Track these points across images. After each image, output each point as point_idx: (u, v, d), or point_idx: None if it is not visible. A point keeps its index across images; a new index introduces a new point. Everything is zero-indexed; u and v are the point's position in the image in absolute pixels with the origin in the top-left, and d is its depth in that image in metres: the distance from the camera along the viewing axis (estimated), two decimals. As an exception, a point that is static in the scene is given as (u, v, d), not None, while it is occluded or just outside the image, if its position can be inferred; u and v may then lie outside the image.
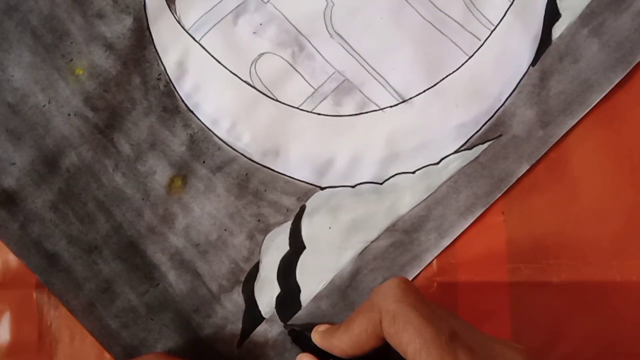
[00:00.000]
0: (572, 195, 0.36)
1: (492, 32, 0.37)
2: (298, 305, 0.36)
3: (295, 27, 0.37)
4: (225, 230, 0.36)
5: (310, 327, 0.32)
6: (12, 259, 0.37)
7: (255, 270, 0.36)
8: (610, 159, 0.36)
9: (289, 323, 0.36)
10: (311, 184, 0.37)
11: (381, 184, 0.36)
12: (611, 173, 0.36)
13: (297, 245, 0.36)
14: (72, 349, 0.36)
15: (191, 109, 0.37)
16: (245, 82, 0.37)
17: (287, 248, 0.36)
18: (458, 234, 0.36)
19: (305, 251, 0.36)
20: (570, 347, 0.35)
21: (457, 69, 0.37)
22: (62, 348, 0.36)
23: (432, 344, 0.26)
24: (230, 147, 0.37)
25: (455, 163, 0.36)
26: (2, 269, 0.37)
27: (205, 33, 0.37)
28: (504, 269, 0.36)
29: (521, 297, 0.35)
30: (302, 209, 0.36)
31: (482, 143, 0.36)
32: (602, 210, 0.36)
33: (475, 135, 0.36)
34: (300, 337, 0.34)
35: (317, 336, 0.31)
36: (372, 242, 0.36)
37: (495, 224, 0.36)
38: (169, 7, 0.37)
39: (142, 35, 0.37)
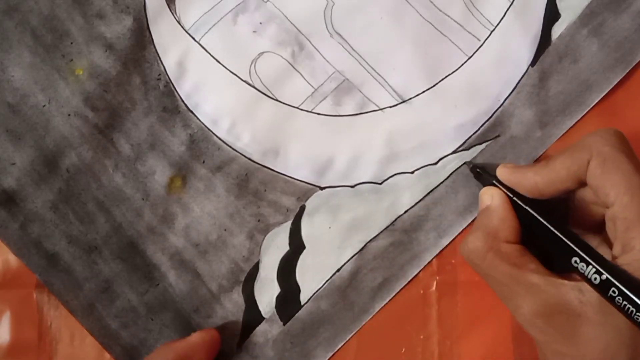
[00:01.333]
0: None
1: (491, 32, 0.37)
2: (298, 304, 0.36)
3: (295, 27, 0.37)
4: (225, 230, 0.36)
5: (490, 166, 0.33)
6: (12, 259, 0.37)
7: (255, 270, 0.36)
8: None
9: (470, 161, 0.36)
10: (311, 184, 0.37)
11: (380, 183, 0.36)
12: None
13: (296, 245, 0.36)
14: (72, 349, 0.36)
15: (191, 109, 0.37)
16: (245, 81, 0.37)
17: (287, 248, 0.36)
18: (457, 234, 0.36)
19: (305, 251, 0.36)
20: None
21: (457, 70, 0.37)
22: (62, 348, 0.36)
23: (637, 189, 0.26)
24: (230, 147, 0.37)
25: (454, 163, 0.36)
26: (2, 269, 0.37)
27: (205, 33, 0.37)
28: (504, 269, 0.35)
29: (520, 297, 0.35)
30: (302, 208, 0.36)
31: (480, 143, 0.36)
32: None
33: (473, 136, 0.36)
34: (482, 174, 0.34)
35: (504, 171, 0.31)
36: (372, 241, 0.36)
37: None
38: (169, 7, 0.37)
39: (142, 35, 0.37)
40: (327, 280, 0.36)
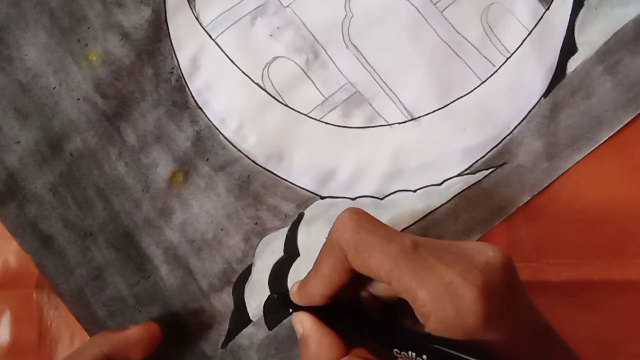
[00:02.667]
0: (572, 195, 0.36)
1: (507, 59, 0.37)
2: (287, 311, 0.36)
3: (312, 34, 0.37)
4: (222, 229, 0.36)
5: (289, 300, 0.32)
6: (12, 259, 0.37)
7: (247, 273, 0.36)
8: (611, 158, 0.36)
9: (272, 293, 0.36)
10: (312, 192, 0.36)
11: (381, 199, 0.36)
12: (612, 172, 0.36)
13: (291, 251, 0.36)
14: (72, 349, 0.36)
15: (200, 105, 0.37)
16: (256, 84, 0.37)
17: (281, 254, 0.36)
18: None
19: (299, 258, 0.36)
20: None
21: (469, 93, 0.37)
22: (62, 348, 0.36)
23: (400, 260, 0.26)
24: (235, 147, 0.37)
25: (458, 186, 0.36)
26: (2, 269, 0.37)
27: (222, 32, 0.37)
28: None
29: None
30: (300, 216, 0.36)
31: (487, 169, 0.36)
32: (602, 209, 0.36)
33: (480, 160, 0.36)
34: (286, 300, 0.33)
35: (295, 296, 0.31)
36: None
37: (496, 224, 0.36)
38: (189, 2, 0.37)
39: (159, 27, 0.37)
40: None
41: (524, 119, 0.36)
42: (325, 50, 0.37)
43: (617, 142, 0.36)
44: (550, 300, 0.27)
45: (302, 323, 0.30)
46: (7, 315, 0.36)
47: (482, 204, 0.36)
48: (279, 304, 0.35)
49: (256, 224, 0.36)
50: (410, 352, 0.26)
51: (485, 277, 0.25)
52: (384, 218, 0.36)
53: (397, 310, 0.31)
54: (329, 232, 0.29)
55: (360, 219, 0.29)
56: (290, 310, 0.32)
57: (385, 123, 0.37)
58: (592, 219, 0.36)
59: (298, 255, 0.36)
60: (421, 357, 0.26)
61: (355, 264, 0.28)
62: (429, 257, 0.26)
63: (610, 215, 0.36)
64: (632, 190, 0.36)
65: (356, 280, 0.30)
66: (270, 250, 0.36)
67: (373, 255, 0.27)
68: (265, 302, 0.36)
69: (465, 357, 0.24)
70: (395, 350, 0.27)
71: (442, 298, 0.25)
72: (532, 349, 0.26)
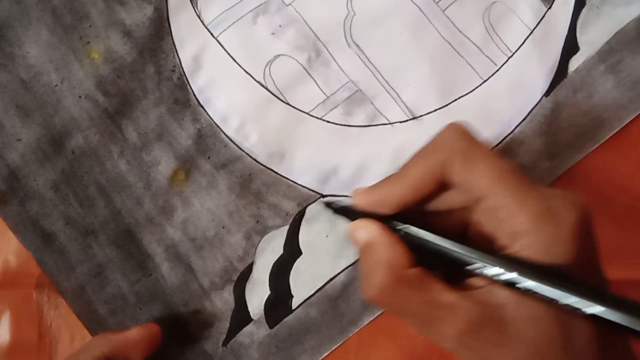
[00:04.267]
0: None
1: (509, 58, 0.37)
2: (288, 310, 0.36)
3: (314, 33, 0.37)
4: (223, 227, 0.36)
5: (344, 207, 0.30)
6: (12, 259, 0.37)
7: (248, 271, 0.36)
8: (612, 157, 0.36)
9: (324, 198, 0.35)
10: (313, 191, 0.37)
11: (383, 197, 0.36)
12: (612, 171, 0.36)
13: (292, 250, 0.36)
14: (72, 349, 0.36)
15: (202, 103, 0.37)
16: (258, 82, 0.37)
17: (282, 251, 0.36)
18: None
19: (300, 257, 0.36)
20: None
21: (471, 92, 0.37)
22: (62, 348, 0.36)
23: (507, 174, 0.26)
24: (237, 145, 0.37)
25: (459, 185, 0.36)
26: (2, 269, 0.37)
27: (224, 30, 0.37)
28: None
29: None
30: (302, 214, 0.36)
31: (488, 168, 0.36)
32: (602, 208, 0.36)
33: (481, 160, 0.36)
34: (342, 208, 0.30)
35: (360, 195, 0.28)
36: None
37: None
38: (191, 1, 0.37)
39: (161, 25, 0.37)
40: (319, 289, 0.36)
41: (525, 118, 0.36)
42: (327, 49, 0.37)
43: (617, 142, 0.36)
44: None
45: (369, 229, 0.27)
46: (7, 315, 0.36)
47: (483, 203, 0.36)
48: (333, 208, 0.31)
49: (257, 222, 0.36)
50: (491, 268, 0.25)
51: (582, 212, 0.25)
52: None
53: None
54: (431, 140, 0.28)
55: (467, 130, 0.27)
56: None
57: (387, 122, 0.37)
58: (592, 217, 0.36)
59: (300, 253, 0.36)
60: (503, 274, 0.25)
61: (459, 170, 0.26)
62: (529, 181, 0.26)
63: (610, 215, 0.36)
64: (632, 189, 0.36)
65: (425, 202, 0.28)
66: (272, 249, 0.36)
67: (482, 162, 0.26)
68: (267, 300, 0.36)
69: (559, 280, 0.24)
70: (473, 267, 0.25)
71: (540, 220, 0.25)
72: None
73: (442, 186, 0.27)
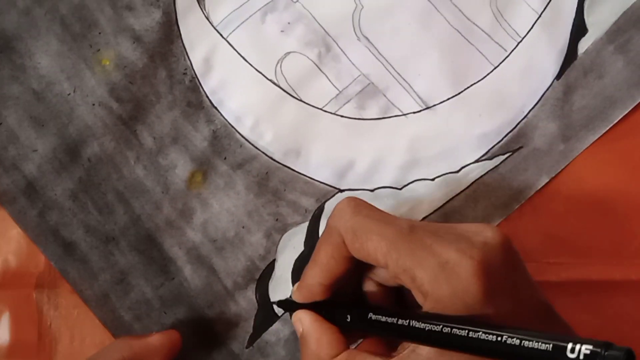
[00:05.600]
0: (572, 194, 0.36)
1: (518, 43, 0.37)
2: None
3: (323, 28, 0.37)
4: (243, 227, 0.36)
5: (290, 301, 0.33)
6: (12, 259, 0.36)
7: (270, 269, 0.36)
8: (612, 157, 0.36)
9: (273, 301, 0.36)
10: (330, 186, 0.37)
11: (400, 189, 0.36)
12: (612, 171, 0.36)
13: (313, 246, 0.36)
14: (72, 349, 0.36)
15: (215, 105, 0.37)
16: (270, 80, 0.37)
17: (303, 248, 0.36)
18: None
19: (321, 252, 0.36)
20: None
21: (482, 79, 0.37)
22: (62, 348, 0.36)
23: (397, 241, 0.27)
24: (252, 145, 0.37)
25: (475, 172, 0.36)
26: (2, 269, 0.36)
27: (233, 30, 0.37)
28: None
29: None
30: (321, 210, 0.36)
31: (503, 154, 0.36)
32: (602, 209, 0.36)
33: (496, 146, 0.36)
34: (287, 303, 0.34)
35: (296, 293, 0.31)
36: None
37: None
38: (198, 2, 0.37)
39: (170, 29, 0.37)
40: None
41: (538, 102, 0.37)
42: (337, 43, 0.37)
43: (617, 141, 0.36)
44: (550, 300, 0.28)
45: (302, 321, 0.31)
46: (7, 316, 0.36)
47: (500, 189, 0.36)
48: (283, 306, 0.35)
49: (277, 220, 0.36)
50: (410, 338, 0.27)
51: (482, 254, 0.26)
52: (403, 208, 0.36)
53: (405, 296, 0.31)
54: (327, 220, 0.30)
55: (358, 205, 0.29)
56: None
57: (400, 113, 0.37)
58: (592, 218, 0.36)
59: (320, 249, 0.36)
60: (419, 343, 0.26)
61: (352, 248, 0.28)
62: (425, 238, 0.26)
63: (610, 215, 0.36)
64: (632, 189, 0.36)
65: (356, 272, 0.31)
66: (292, 246, 0.36)
67: (370, 237, 0.27)
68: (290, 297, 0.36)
69: (459, 327, 0.24)
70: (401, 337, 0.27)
71: (439, 277, 0.25)
72: (533, 326, 0.26)
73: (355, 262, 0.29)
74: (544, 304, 0.28)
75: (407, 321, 0.26)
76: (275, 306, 0.36)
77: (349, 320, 0.30)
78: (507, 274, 0.26)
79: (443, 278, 0.25)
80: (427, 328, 0.26)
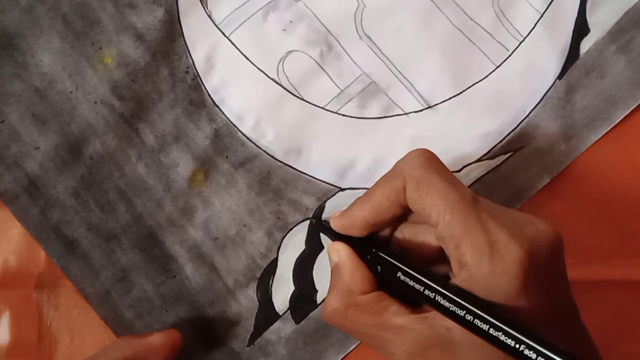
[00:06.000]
0: (572, 194, 0.36)
1: (520, 43, 0.37)
2: (314, 304, 0.36)
3: (325, 27, 0.37)
4: (244, 226, 0.36)
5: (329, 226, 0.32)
6: (12, 259, 0.36)
7: (271, 268, 0.36)
8: (613, 157, 0.36)
9: (313, 217, 0.36)
10: (332, 185, 0.37)
11: (401, 188, 0.36)
12: (613, 171, 0.36)
13: (314, 245, 0.36)
14: (72, 349, 0.36)
15: (217, 103, 0.37)
16: (272, 79, 0.37)
17: (304, 247, 0.36)
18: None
19: (322, 251, 0.36)
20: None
21: (484, 78, 0.37)
22: (62, 348, 0.36)
23: (455, 205, 0.26)
24: (254, 143, 0.37)
25: (477, 172, 0.36)
26: (2, 269, 0.36)
27: (235, 29, 0.37)
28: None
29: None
30: (322, 209, 0.37)
31: (505, 153, 0.36)
32: (603, 209, 0.36)
33: (498, 145, 0.36)
34: (326, 228, 0.34)
35: (336, 220, 0.31)
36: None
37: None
38: (201, 1, 0.37)
39: (172, 27, 0.37)
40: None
41: (539, 102, 0.37)
42: (338, 42, 0.37)
43: (618, 141, 0.37)
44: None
45: (339, 252, 0.31)
46: (7, 316, 0.36)
47: (501, 189, 0.36)
48: (316, 229, 0.35)
49: (278, 218, 0.36)
50: (435, 295, 0.27)
51: (531, 246, 0.26)
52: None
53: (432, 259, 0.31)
54: (395, 163, 0.29)
55: (431, 158, 0.29)
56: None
57: (402, 112, 0.37)
58: (592, 219, 0.36)
59: (322, 248, 0.36)
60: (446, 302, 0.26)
61: (410, 197, 0.28)
62: (483, 213, 0.26)
63: (611, 215, 0.36)
64: (633, 189, 0.36)
65: (393, 228, 0.31)
66: (294, 244, 0.36)
67: (431, 192, 0.27)
68: (292, 296, 0.36)
69: (481, 318, 0.25)
70: (425, 291, 0.27)
71: (483, 253, 0.25)
72: (557, 329, 0.26)
73: (406, 209, 0.29)
74: (573, 307, 0.28)
75: (433, 295, 0.27)
76: (275, 304, 0.36)
77: (379, 270, 0.30)
78: (549, 272, 0.26)
79: (487, 255, 0.25)
80: (451, 308, 0.26)
